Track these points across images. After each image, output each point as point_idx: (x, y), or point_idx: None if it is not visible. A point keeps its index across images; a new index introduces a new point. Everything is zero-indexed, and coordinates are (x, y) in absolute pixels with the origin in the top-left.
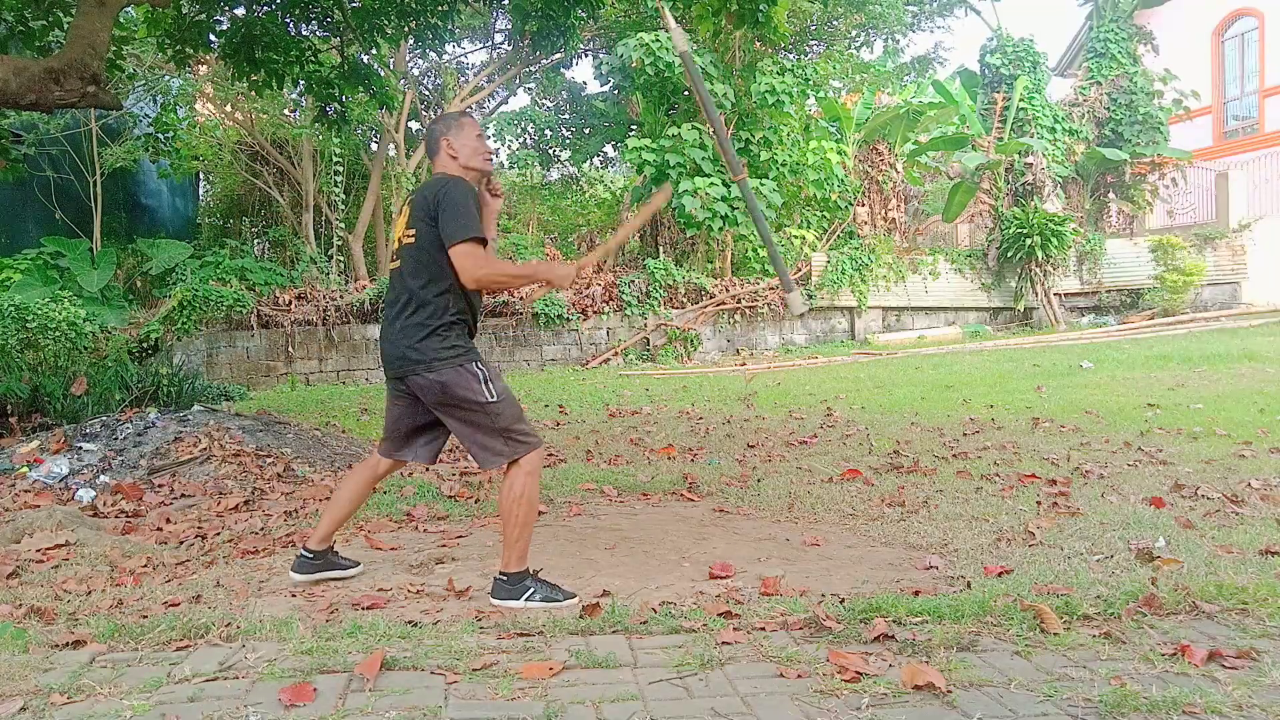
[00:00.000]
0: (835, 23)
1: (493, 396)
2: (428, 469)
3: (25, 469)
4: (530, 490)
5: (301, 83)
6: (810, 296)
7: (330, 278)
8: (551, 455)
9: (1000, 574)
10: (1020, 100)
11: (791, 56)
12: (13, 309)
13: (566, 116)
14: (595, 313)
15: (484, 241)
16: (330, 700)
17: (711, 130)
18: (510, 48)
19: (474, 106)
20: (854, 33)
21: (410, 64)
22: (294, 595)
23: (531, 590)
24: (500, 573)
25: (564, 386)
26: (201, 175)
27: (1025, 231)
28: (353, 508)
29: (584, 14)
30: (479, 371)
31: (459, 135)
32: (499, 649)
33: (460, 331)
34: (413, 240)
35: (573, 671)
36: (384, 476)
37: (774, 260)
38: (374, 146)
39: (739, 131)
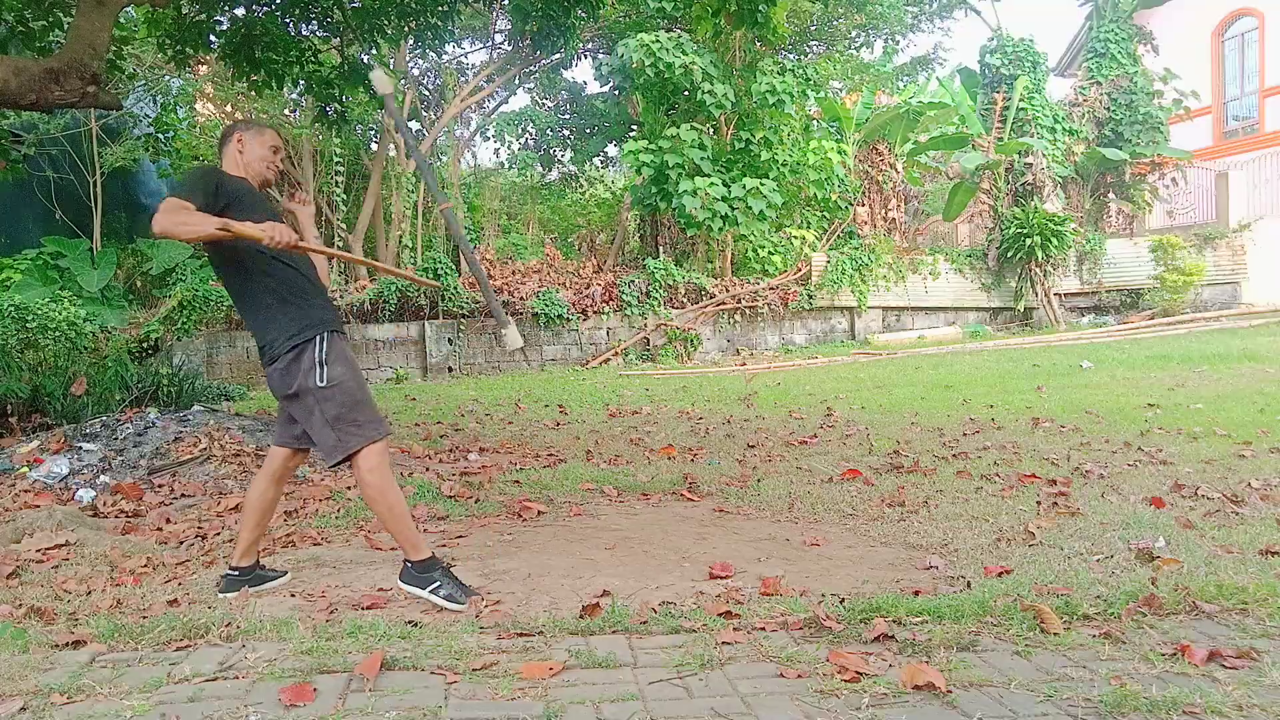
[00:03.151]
0: (835, 23)
1: (324, 382)
2: (428, 469)
3: (25, 469)
4: (382, 487)
5: (301, 83)
6: (810, 297)
7: (330, 278)
8: (551, 455)
9: (1000, 574)
10: (1020, 100)
11: (792, 57)
12: (13, 309)
13: (567, 117)
14: (595, 313)
15: (193, 205)
16: (330, 700)
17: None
18: (510, 48)
19: (474, 106)
20: (854, 33)
21: (410, 64)
22: (294, 595)
23: (437, 584)
24: (405, 560)
25: (564, 386)
26: None
27: (1025, 231)
28: (269, 513)
29: (584, 14)
30: (318, 354)
31: (255, 138)
32: (499, 649)
33: (291, 311)
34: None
35: (573, 671)
36: (290, 470)
37: (484, 292)
38: (374, 146)
39: (739, 131)
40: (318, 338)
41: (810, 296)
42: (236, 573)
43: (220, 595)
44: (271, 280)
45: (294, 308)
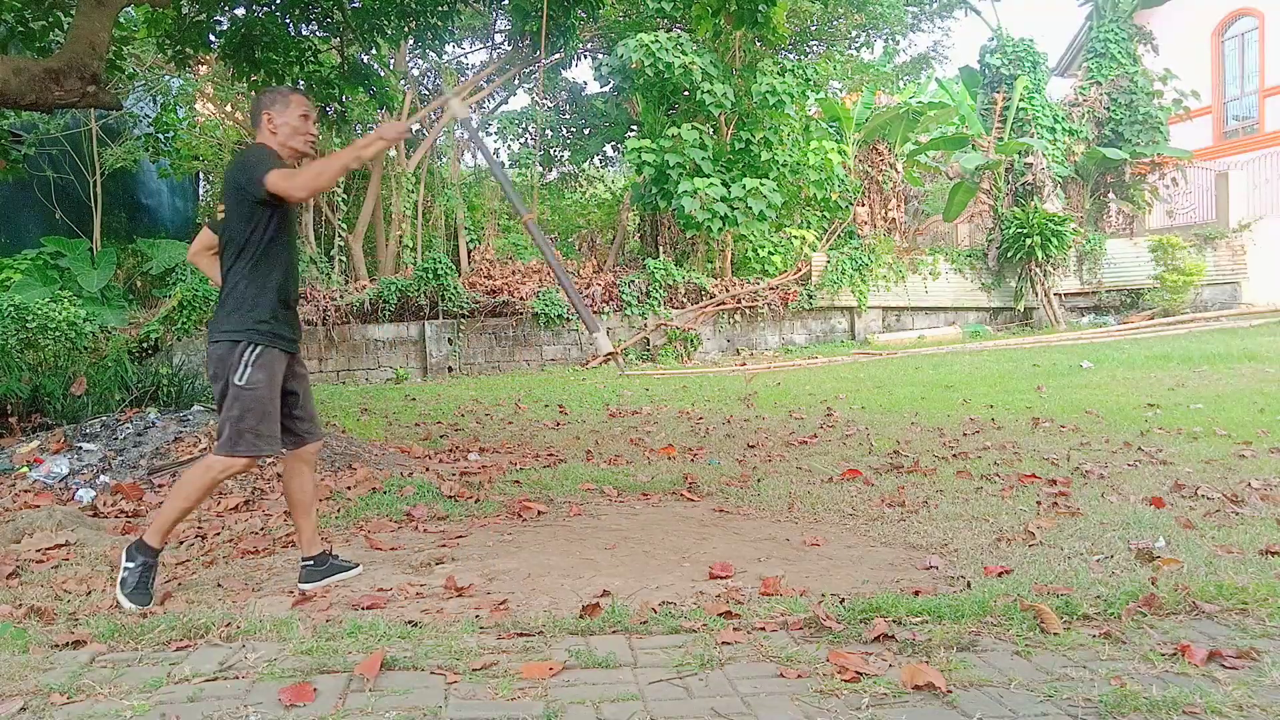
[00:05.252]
0: (835, 23)
1: (243, 381)
2: (427, 469)
3: (25, 469)
4: (203, 483)
5: (301, 83)
6: (810, 296)
7: (331, 278)
8: (551, 455)
9: (1000, 574)
10: (1020, 100)
11: (792, 57)
12: (13, 309)
13: (567, 116)
14: (595, 313)
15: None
16: (330, 700)
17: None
18: (510, 48)
19: (474, 106)
20: (854, 33)
21: (410, 64)
22: (294, 595)
23: (133, 566)
24: (141, 536)
25: (564, 386)
26: (201, 175)
27: (1025, 231)
28: (309, 499)
29: (584, 14)
30: (249, 355)
31: (283, 112)
32: (499, 649)
33: (262, 313)
34: (223, 215)
35: (573, 671)
36: (308, 460)
37: (573, 304)
38: None
39: (739, 131)
40: (254, 344)
41: (810, 296)
42: (311, 562)
43: (300, 586)
44: (275, 272)
45: (260, 310)
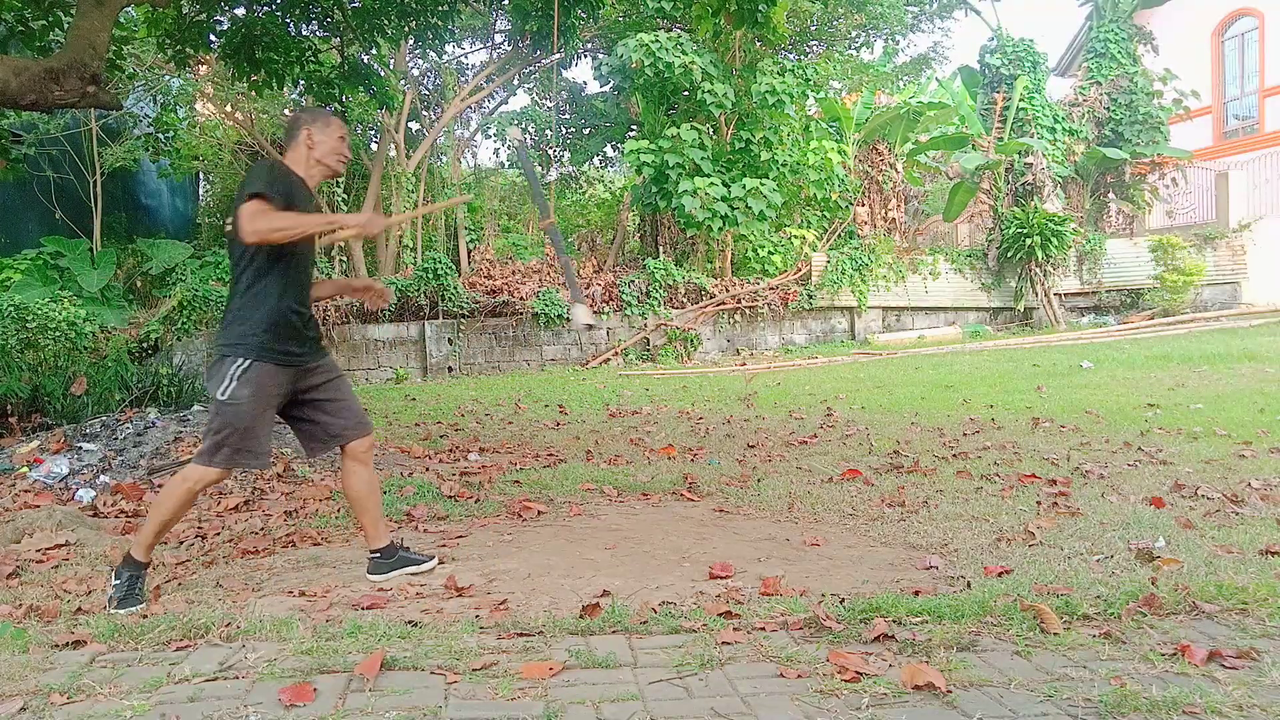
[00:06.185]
0: (835, 23)
1: (224, 396)
2: (427, 469)
3: (25, 469)
4: (179, 495)
5: (301, 83)
6: (810, 296)
7: (330, 278)
8: (551, 455)
9: (1000, 574)
10: (1020, 100)
11: (792, 57)
12: (13, 309)
13: (566, 116)
14: (595, 313)
15: (269, 200)
16: (330, 700)
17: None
18: (510, 48)
19: (474, 106)
20: (854, 33)
21: (410, 64)
22: (293, 595)
23: (119, 582)
24: (127, 553)
25: (564, 386)
26: (201, 175)
27: (1025, 231)
28: (371, 496)
29: (584, 14)
30: (234, 370)
31: (324, 130)
32: (499, 649)
33: (255, 327)
34: (230, 228)
35: (573, 671)
36: (358, 457)
37: (568, 276)
38: (374, 146)
39: (739, 131)
40: (242, 358)
41: (810, 296)
42: (377, 555)
43: (369, 577)
44: (273, 287)
45: (253, 324)
